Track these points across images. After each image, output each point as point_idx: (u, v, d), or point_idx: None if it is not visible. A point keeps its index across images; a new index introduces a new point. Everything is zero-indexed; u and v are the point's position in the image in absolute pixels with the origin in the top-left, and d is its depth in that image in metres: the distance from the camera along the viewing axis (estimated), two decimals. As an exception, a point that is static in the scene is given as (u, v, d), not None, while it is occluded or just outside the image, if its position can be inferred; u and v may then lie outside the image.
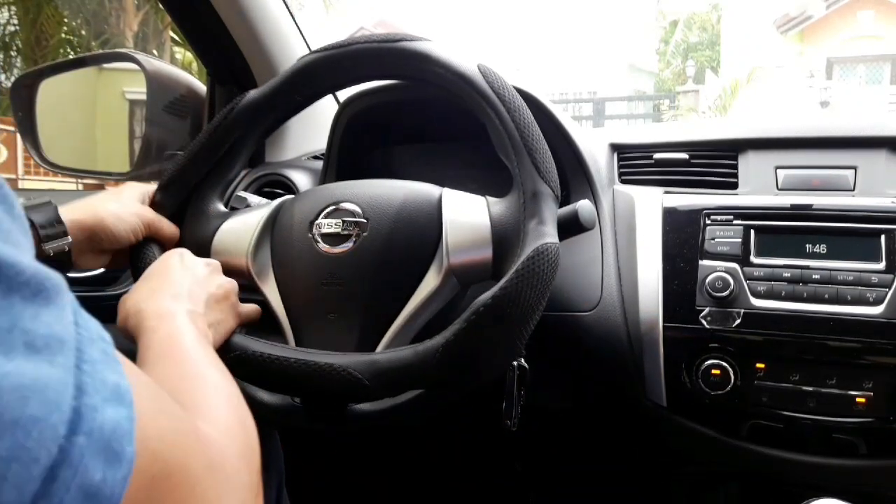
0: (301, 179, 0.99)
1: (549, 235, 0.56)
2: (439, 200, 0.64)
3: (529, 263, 0.54)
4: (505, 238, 0.59)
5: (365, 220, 0.63)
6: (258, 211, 0.69)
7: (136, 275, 0.62)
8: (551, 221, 0.58)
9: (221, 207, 0.71)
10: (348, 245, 0.62)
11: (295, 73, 0.70)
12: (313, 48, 0.71)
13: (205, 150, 0.70)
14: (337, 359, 0.56)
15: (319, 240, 0.63)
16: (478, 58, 0.65)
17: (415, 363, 0.55)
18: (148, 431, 0.28)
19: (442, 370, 0.54)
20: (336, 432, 0.90)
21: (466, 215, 0.62)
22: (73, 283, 1.03)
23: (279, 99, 0.71)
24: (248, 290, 0.67)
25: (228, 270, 0.67)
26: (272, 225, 0.68)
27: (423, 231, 0.62)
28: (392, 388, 0.56)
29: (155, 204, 0.70)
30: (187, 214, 0.70)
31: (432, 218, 0.62)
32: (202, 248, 0.68)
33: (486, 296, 0.54)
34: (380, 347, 0.60)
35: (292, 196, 0.71)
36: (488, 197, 0.64)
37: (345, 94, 0.91)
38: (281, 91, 0.71)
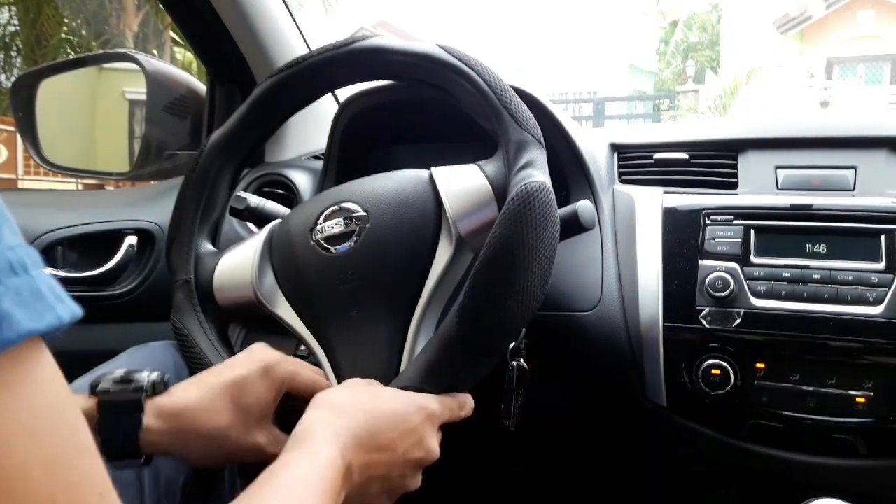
0: (301, 179, 0.99)
1: (534, 176, 0.56)
2: (430, 177, 0.64)
3: (512, 204, 0.54)
4: (507, 192, 0.58)
5: (365, 213, 0.63)
6: (251, 241, 0.69)
7: None
8: (538, 164, 0.57)
9: (211, 247, 0.71)
10: (354, 240, 0.62)
11: (255, 103, 0.70)
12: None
13: (189, 198, 0.70)
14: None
15: (324, 244, 0.63)
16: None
17: (442, 342, 0.54)
18: None
19: (465, 334, 0.53)
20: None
21: (462, 182, 0.62)
22: (73, 282, 1.03)
23: (243, 133, 0.71)
24: (263, 318, 0.66)
25: (237, 305, 0.67)
26: (269, 249, 0.67)
27: (424, 208, 0.62)
28: (444, 379, 0.56)
29: (170, 263, 0.69)
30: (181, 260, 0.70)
31: (428, 193, 0.63)
32: (204, 291, 0.68)
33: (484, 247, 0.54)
34: (412, 326, 0.60)
35: (279, 220, 0.71)
36: (478, 162, 0.64)
37: (345, 93, 0.91)
38: (245, 121, 0.71)
